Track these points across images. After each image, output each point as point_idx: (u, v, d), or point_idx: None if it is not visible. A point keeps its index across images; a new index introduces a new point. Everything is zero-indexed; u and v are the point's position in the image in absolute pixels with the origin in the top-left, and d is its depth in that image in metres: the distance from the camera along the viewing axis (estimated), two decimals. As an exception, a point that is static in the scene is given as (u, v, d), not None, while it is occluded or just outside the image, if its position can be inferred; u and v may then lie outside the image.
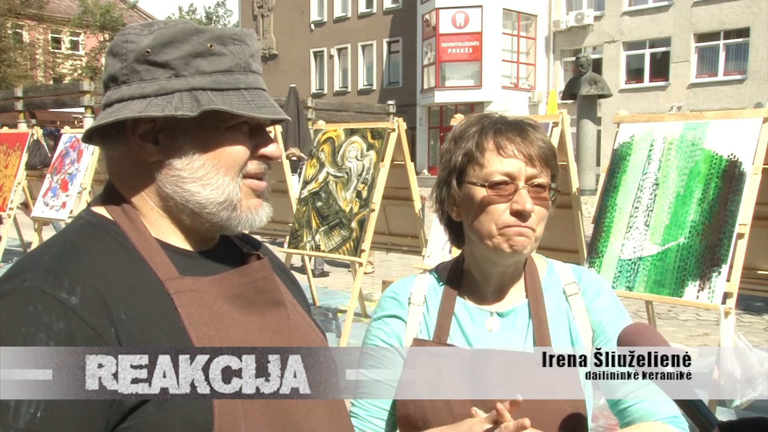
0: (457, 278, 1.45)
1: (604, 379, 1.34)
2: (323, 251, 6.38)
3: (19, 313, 0.90)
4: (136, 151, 1.04)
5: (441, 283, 1.46)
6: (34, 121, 17.25)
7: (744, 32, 24.93)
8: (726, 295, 4.05)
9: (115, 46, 1.05)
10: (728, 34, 25.40)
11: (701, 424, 1.01)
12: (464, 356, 1.35)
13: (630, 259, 4.42)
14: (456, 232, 1.46)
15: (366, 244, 5.96)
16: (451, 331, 1.40)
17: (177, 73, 1.02)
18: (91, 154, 8.11)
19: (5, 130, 10.66)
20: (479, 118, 1.41)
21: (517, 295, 1.43)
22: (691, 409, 1.02)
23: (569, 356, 1.32)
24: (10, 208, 8.78)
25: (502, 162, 1.32)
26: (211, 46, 1.04)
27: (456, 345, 1.38)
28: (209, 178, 1.04)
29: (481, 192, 1.33)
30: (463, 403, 1.30)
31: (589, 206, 10.41)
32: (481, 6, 28.29)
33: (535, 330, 1.38)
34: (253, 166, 1.09)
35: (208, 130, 1.04)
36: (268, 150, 1.10)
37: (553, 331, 1.38)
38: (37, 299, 0.91)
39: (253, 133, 1.09)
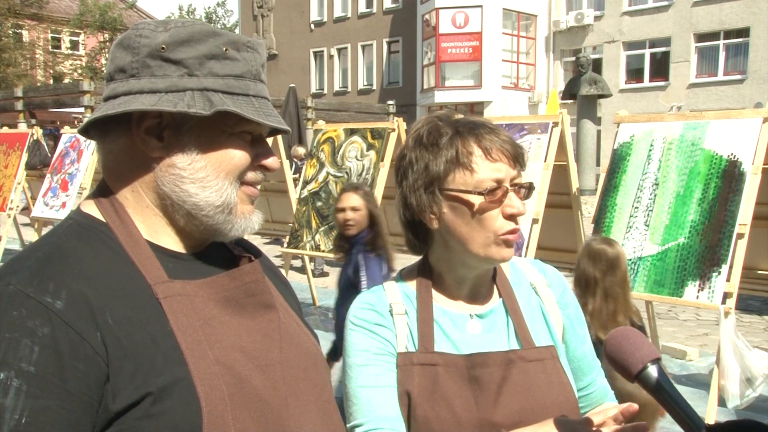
0: (427, 285, 1.41)
1: (576, 369, 1.43)
2: (323, 251, 6.38)
3: (2, 318, 0.89)
4: (138, 145, 1.03)
5: (412, 290, 1.42)
6: (34, 121, 17.23)
7: (744, 32, 24.91)
8: (726, 295, 4.05)
9: (127, 39, 1.04)
10: (728, 34, 25.39)
11: (688, 428, 1.01)
12: (459, 362, 1.32)
13: (630, 259, 4.42)
14: (421, 239, 1.41)
15: (366, 244, 5.95)
16: (438, 338, 1.37)
17: (190, 72, 1.02)
18: (91, 154, 8.11)
19: (5, 130, 10.66)
20: (443, 118, 1.36)
21: (490, 295, 1.42)
22: (678, 412, 1.02)
23: (551, 348, 1.38)
24: (10, 208, 8.78)
25: (490, 167, 1.30)
26: (225, 50, 1.04)
27: (445, 352, 1.35)
28: (209, 181, 1.04)
29: (474, 200, 1.29)
30: (469, 410, 1.29)
31: (589, 206, 10.42)
32: (481, 6, 28.26)
33: (516, 327, 1.38)
34: (252, 175, 1.09)
35: (214, 133, 1.04)
36: (269, 162, 1.10)
37: (531, 326, 1.39)
38: (21, 303, 0.90)
39: (254, 142, 1.09)
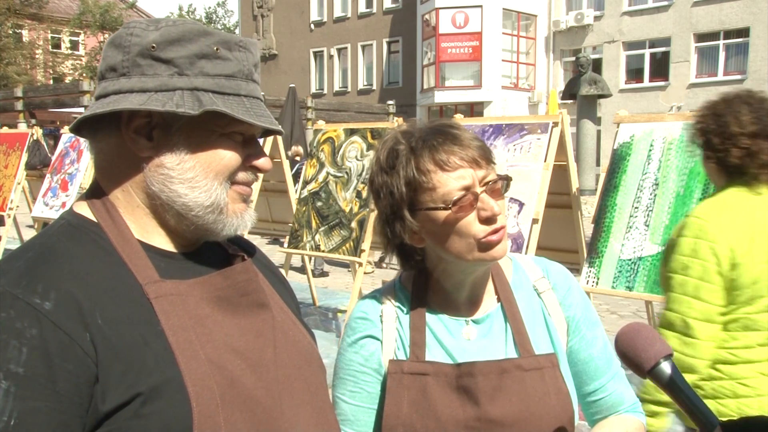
0: (422, 290, 1.39)
1: (581, 372, 1.39)
2: (323, 251, 6.37)
3: None
4: (128, 144, 1.03)
5: (407, 296, 1.41)
6: (34, 121, 17.22)
7: (744, 32, 24.91)
8: (726, 295, 4.04)
9: (118, 38, 1.03)
10: (728, 34, 25.38)
11: (702, 424, 1.00)
12: (449, 372, 1.30)
13: (630, 259, 4.42)
14: (408, 257, 1.38)
15: (366, 244, 5.96)
16: (430, 346, 1.35)
17: (180, 72, 1.01)
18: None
19: (5, 130, 10.65)
20: (401, 137, 1.33)
21: (488, 299, 1.39)
22: (692, 409, 1.02)
23: (551, 356, 1.34)
24: (10, 208, 8.77)
25: (452, 177, 1.26)
26: (217, 49, 1.03)
27: (437, 360, 1.33)
28: (198, 181, 1.03)
29: (444, 214, 1.27)
30: (456, 420, 1.27)
31: (589, 206, 10.42)
32: (480, 6, 28.26)
33: (514, 332, 1.34)
34: (243, 175, 1.08)
35: (204, 133, 1.03)
36: (260, 162, 1.09)
37: (531, 331, 1.35)
38: (10, 305, 0.89)
39: (246, 143, 1.08)
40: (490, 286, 1.40)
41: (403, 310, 1.39)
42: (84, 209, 1.06)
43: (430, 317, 1.37)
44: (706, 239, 2.01)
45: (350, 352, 1.39)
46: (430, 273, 1.40)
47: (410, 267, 1.41)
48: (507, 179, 1.32)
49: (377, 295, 1.44)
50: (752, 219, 2.04)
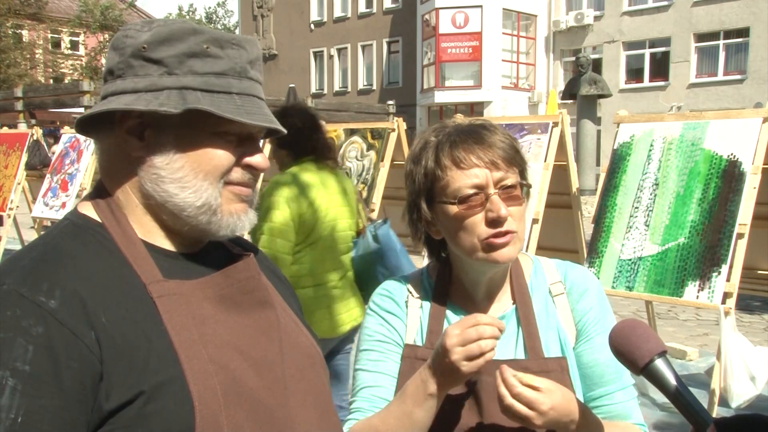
0: (445, 283, 1.43)
1: (586, 377, 1.37)
2: (323, 251, 6.37)
3: None
4: (121, 144, 1.04)
5: (432, 285, 1.44)
6: (34, 121, 17.19)
7: (744, 32, 24.91)
8: (726, 295, 4.05)
9: (116, 40, 1.05)
10: (728, 34, 25.38)
11: (696, 422, 1.00)
12: None
13: (630, 259, 4.42)
14: (435, 248, 1.43)
15: (366, 244, 5.95)
16: None
17: (170, 71, 1.01)
18: (91, 154, 8.11)
19: (5, 130, 10.65)
20: (434, 131, 1.38)
21: (505, 299, 1.41)
22: (686, 406, 1.01)
23: (561, 360, 1.34)
24: (10, 208, 8.77)
25: (466, 175, 1.29)
26: (207, 47, 1.03)
27: None
28: (187, 181, 1.03)
29: (453, 209, 1.30)
30: (457, 412, 1.28)
31: (589, 206, 10.41)
32: (480, 6, 28.25)
33: (525, 336, 1.35)
34: (238, 174, 1.07)
35: (193, 132, 1.03)
36: (254, 160, 1.08)
37: (543, 334, 1.36)
38: (15, 303, 0.90)
39: (242, 142, 1.07)
40: (507, 287, 1.42)
41: (425, 298, 1.43)
42: (88, 209, 1.07)
43: (450, 309, 1.41)
44: (284, 197, 3.06)
45: (375, 325, 1.43)
46: (452, 267, 1.43)
47: (437, 259, 1.46)
48: (527, 186, 1.34)
49: (403, 279, 1.48)
50: (312, 185, 3.19)
